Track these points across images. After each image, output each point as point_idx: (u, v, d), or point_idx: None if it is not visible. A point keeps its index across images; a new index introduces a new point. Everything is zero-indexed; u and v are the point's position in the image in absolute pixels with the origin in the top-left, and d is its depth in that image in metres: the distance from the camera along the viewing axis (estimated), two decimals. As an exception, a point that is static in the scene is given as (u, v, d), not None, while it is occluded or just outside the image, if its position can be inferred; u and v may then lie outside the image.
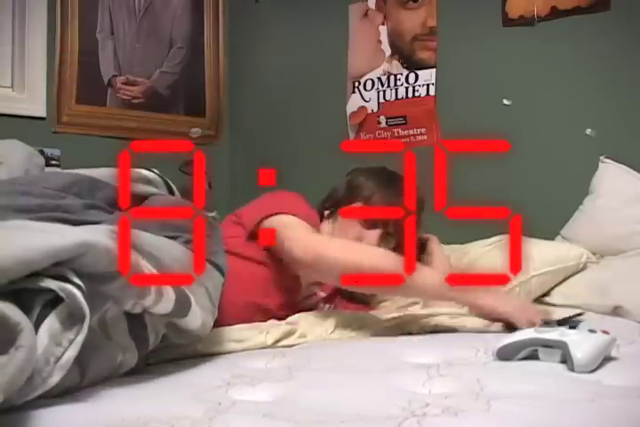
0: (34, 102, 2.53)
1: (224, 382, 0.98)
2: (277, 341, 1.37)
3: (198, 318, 1.09)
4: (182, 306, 1.05)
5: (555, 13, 2.18)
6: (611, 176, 1.98)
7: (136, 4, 2.79)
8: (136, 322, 1.02)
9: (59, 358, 0.81)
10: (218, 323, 1.37)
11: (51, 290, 0.82)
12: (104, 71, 2.70)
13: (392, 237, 1.66)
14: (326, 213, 1.74)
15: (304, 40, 2.80)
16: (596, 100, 2.12)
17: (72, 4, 2.59)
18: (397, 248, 1.64)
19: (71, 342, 0.82)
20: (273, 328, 1.40)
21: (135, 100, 2.78)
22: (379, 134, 2.57)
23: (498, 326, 1.44)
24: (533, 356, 1.09)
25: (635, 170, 1.96)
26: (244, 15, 2.98)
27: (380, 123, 2.57)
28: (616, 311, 1.58)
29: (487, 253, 1.82)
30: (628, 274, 1.69)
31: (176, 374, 1.09)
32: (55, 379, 0.80)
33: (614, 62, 2.08)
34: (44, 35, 2.54)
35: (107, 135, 2.67)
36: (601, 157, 2.00)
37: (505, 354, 1.11)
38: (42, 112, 2.54)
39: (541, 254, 1.76)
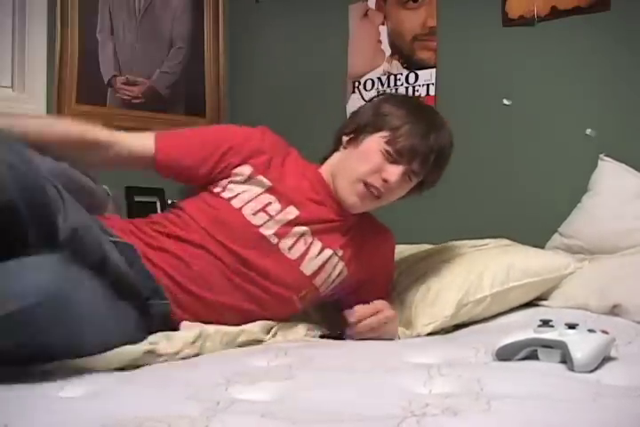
0: (34, 102, 2.52)
1: (224, 380, 0.98)
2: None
3: None
4: None
5: (555, 13, 2.18)
6: (609, 174, 1.98)
7: (136, 4, 2.78)
8: None
9: None
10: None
11: None
12: (104, 71, 2.70)
13: (415, 177, 1.54)
14: (345, 138, 1.60)
15: (304, 40, 2.79)
16: (595, 100, 2.11)
17: (72, 3, 2.59)
18: (417, 189, 1.58)
19: None
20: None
21: (135, 100, 2.77)
22: (379, 134, 2.56)
23: None
24: (533, 356, 1.10)
25: (634, 169, 1.96)
26: (244, 15, 2.98)
27: (379, 123, 2.56)
28: (614, 310, 1.58)
29: (465, 255, 1.77)
30: (626, 273, 1.69)
31: (176, 372, 1.09)
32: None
33: (614, 62, 2.08)
34: (44, 35, 2.53)
35: (107, 135, 2.67)
36: (600, 155, 2.00)
37: (505, 354, 1.11)
38: (42, 112, 2.53)
39: (525, 265, 1.70)
